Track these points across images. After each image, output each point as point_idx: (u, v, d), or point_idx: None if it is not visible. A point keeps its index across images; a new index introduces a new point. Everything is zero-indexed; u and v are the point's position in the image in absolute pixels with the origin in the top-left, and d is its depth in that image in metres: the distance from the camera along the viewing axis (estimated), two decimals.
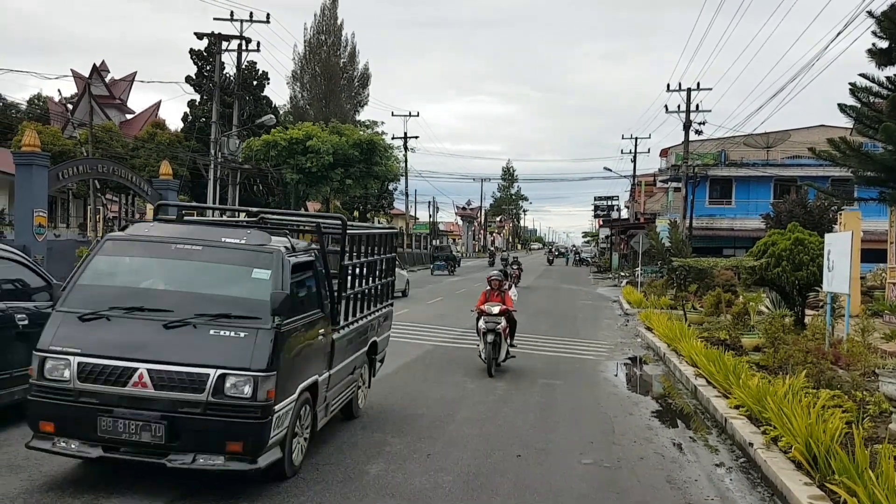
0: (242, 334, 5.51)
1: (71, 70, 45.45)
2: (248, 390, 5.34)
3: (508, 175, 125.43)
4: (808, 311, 16.41)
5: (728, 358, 10.59)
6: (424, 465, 6.65)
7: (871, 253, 26.68)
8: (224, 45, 31.60)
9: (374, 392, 9.96)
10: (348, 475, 6.30)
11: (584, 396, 10.36)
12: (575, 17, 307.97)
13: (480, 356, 11.77)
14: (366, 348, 8.33)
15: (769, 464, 6.52)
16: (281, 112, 48.25)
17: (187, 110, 42.00)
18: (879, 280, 24.05)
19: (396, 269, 11.36)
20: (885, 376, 8.98)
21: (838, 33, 17.59)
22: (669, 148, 49.61)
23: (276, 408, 5.50)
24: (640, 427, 8.61)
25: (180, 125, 43.19)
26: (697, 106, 37.65)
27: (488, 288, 12.29)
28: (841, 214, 21.66)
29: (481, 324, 11.58)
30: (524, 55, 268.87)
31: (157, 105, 50.05)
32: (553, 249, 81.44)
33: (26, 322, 7.34)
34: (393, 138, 55.96)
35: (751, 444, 7.16)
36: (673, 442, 7.97)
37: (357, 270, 7.86)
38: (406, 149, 58.86)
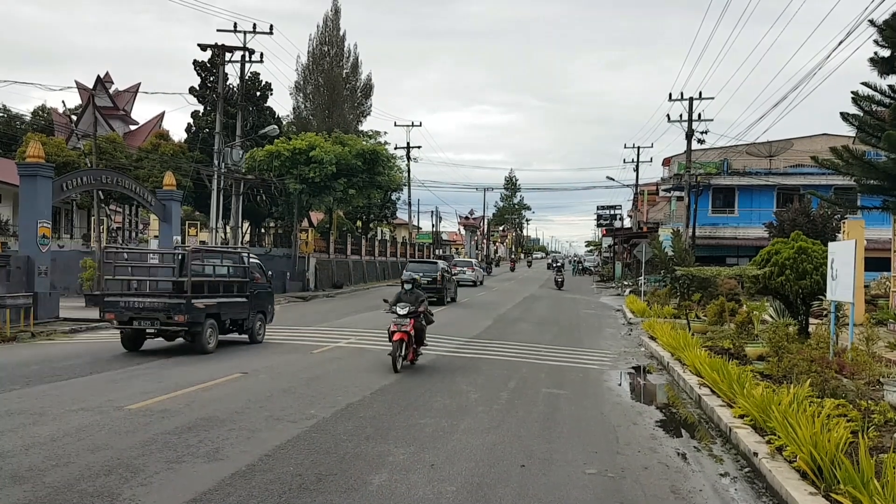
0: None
1: (75, 81, 45.66)
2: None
3: (511, 184, 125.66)
4: (811, 320, 16.37)
5: (732, 367, 10.56)
6: (428, 476, 6.64)
7: (875, 261, 26.62)
8: (227, 56, 31.78)
9: (376, 402, 9.96)
10: (351, 485, 6.28)
11: (588, 406, 10.33)
12: (577, 27, 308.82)
13: None
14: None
15: (774, 473, 6.49)
16: (284, 122, 48.36)
17: (191, 121, 42.12)
18: (883, 289, 23.99)
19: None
20: (889, 385, 8.94)
21: (840, 42, 17.70)
22: (672, 157, 49.65)
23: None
24: (645, 437, 8.59)
25: (184, 136, 43.29)
26: (700, 115, 37.70)
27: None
28: (844, 223, 21.64)
29: None
30: (526, 65, 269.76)
31: (161, 116, 50.23)
32: (559, 263, 56.10)
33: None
34: (396, 148, 56.16)
35: (755, 454, 7.13)
36: (677, 451, 7.94)
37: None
38: (409, 158, 59.02)
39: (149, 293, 15.39)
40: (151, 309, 14.34)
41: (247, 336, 16.27)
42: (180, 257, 15.90)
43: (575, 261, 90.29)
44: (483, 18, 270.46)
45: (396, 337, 12.56)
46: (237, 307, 15.84)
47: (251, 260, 17.32)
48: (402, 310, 12.77)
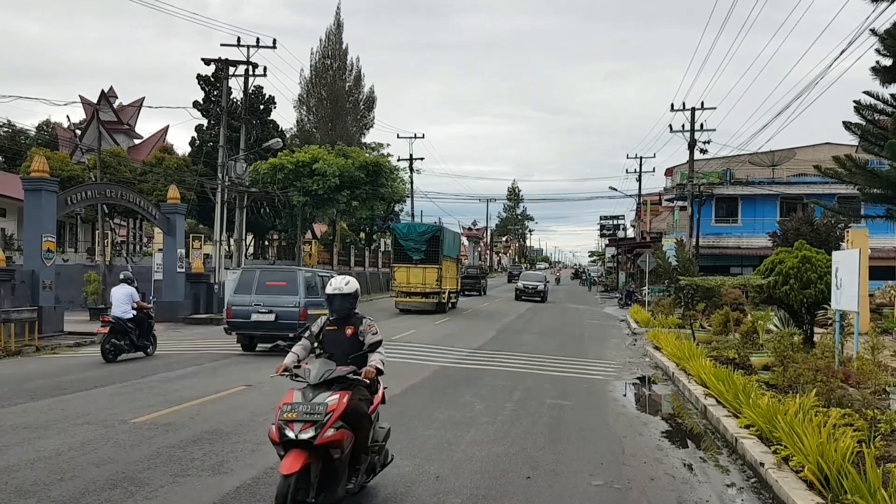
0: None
1: (79, 96, 45.99)
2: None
3: (514, 195, 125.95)
4: (816, 330, 16.33)
5: (737, 377, 10.53)
6: (433, 488, 6.62)
7: (880, 270, 26.59)
8: (231, 70, 31.87)
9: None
10: (356, 498, 6.26)
11: (593, 417, 10.30)
12: (575, 39, 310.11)
13: None
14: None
15: (780, 484, 6.46)
16: (287, 135, 48.57)
17: (195, 135, 42.34)
18: (888, 297, 23.94)
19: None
20: (895, 394, 8.91)
21: (842, 51, 17.66)
22: (674, 167, 49.70)
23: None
24: (650, 447, 8.55)
25: (188, 149, 43.52)
26: (702, 125, 37.74)
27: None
28: (848, 232, 21.60)
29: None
30: (527, 76, 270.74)
31: (165, 130, 50.47)
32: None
33: None
34: (398, 160, 56.29)
35: (762, 464, 7.11)
36: (683, 462, 7.91)
37: None
38: (412, 170, 59.14)
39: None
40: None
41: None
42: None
43: (581, 271, 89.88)
44: (482, 31, 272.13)
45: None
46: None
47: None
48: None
